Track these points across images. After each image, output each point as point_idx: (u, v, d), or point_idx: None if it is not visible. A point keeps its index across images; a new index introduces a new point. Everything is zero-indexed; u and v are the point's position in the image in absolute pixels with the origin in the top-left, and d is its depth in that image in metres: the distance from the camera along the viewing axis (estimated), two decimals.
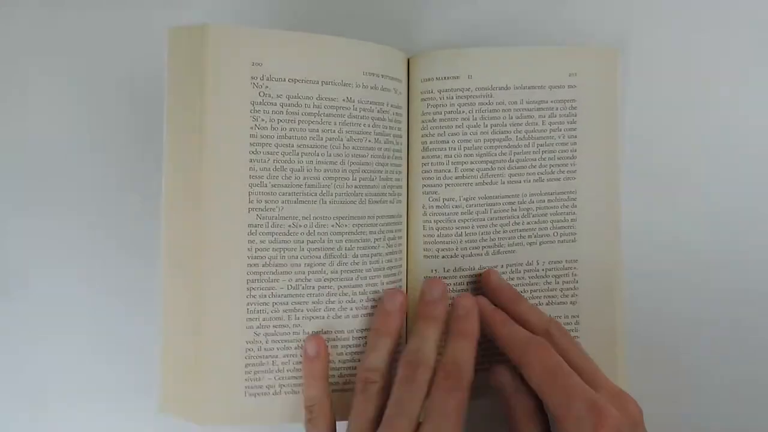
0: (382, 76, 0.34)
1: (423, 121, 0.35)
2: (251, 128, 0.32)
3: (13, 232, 0.34)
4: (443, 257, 0.36)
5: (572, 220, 0.37)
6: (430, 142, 0.36)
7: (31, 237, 0.34)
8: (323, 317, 0.33)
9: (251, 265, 0.32)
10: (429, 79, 0.35)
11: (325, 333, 0.33)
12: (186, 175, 0.32)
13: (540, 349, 0.31)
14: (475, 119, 0.36)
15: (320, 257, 0.33)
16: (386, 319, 0.33)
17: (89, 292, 0.35)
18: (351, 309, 0.34)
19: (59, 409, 0.34)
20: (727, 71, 0.37)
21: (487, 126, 0.36)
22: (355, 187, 0.33)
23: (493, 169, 0.36)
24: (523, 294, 0.36)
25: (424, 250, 0.36)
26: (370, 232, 0.34)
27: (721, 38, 0.34)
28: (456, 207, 0.36)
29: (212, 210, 0.32)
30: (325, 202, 0.33)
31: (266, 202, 0.32)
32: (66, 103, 0.34)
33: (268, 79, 0.32)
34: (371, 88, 0.33)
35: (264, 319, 0.33)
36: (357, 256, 0.33)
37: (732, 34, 0.35)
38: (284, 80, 0.32)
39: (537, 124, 0.36)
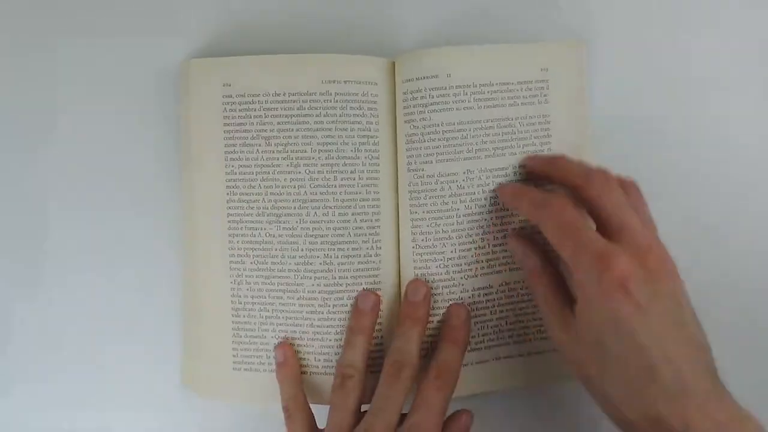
0: (345, 81, 0.36)
1: (406, 121, 0.36)
2: (224, 137, 0.37)
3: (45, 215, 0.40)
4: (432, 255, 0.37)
5: None
6: (414, 140, 0.36)
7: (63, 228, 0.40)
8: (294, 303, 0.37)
9: (232, 260, 0.37)
10: (410, 80, 0.36)
11: (295, 320, 0.37)
12: (187, 181, 0.38)
13: (555, 206, 0.31)
14: (455, 116, 0.36)
15: (289, 251, 0.37)
16: (360, 318, 0.36)
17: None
18: (323, 307, 0.37)
19: (83, 378, 0.40)
20: (698, 61, 0.37)
21: (465, 122, 0.36)
22: (322, 189, 0.36)
23: (473, 171, 0.36)
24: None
25: (413, 255, 0.37)
26: (339, 235, 0.36)
27: (688, 28, 0.34)
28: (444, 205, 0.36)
29: (199, 210, 0.38)
30: (288, 200, 0.36)
31: (240, 195, 0.37)
32: (103, 103, 0.40)
33: (237, 96, 0.37)
34: (335, 93, 0.36)
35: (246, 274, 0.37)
36: (329, 257, 0.36)
37: (698, 24, 0.35)
38: (244, 95, 0.36)
39: (511, 118, 0.36)
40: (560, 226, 0.30)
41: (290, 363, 0.37)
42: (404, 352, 0.34)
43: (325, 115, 0.36)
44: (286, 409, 0.36)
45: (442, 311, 0.36)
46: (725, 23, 0.40)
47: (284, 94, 0.36)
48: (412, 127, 0.36)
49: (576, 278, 0.30)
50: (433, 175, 0.36)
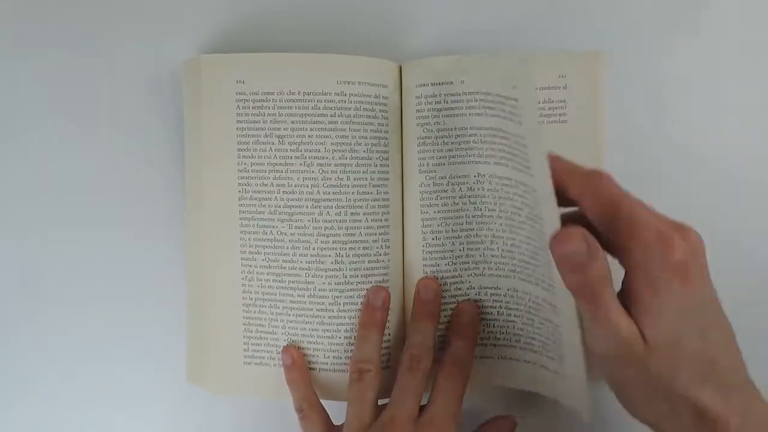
0: (359, 83, 0.36)
1: (419, 124, 0.37)
2: (237, 134, 0.37)
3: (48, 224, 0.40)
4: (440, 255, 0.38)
5: None
6: (427, 143, 0.37)
7: (72, 232, 0.40)
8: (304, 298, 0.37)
9: (243, 257, 0.37)
10: (423, 85, 0.37)
11: (307, 318, 0.37)
12: (196, 179, 0.38)
13: (605, 179, 0.28)
14: (468, 121, 0.37)
15: (300, 249, 0.37)
16: (372, 314, 0.37)
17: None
18: (334, 305, 0.37)
19: (91, 375, 0.40)
20: (709, 77, 0.37)
21: (476, 127, 0.36)
22: (333, 190, 0.37)
23: (483, 175, 0.37)
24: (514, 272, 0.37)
25: (423, 258, 0.38)
26: (350, 234, 0.37)
27: (703, 46, 0.34)
28: (453, 211, 0.37)
29: (210, 207, 0.37)
30: (301, 200, 0.37)
31: (253, 193, 0.37)
32: (102, 111, 0.40)
33: (250, 93, 0.36)
34: (350, 95, 0.36)
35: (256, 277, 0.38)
36: (340, 255, 0.37)
37: (714, 42, 0.35)
38: (259, 93, 0.36)
39: (519, 135, 0.36)
40: (613, 200, 0.27)
41: (298, 365, 0.37)
42: (421, 346, 0.36)
43: (339, 116, 0.36)
44: (300, 410, 0.36)
45: (451, 306, 0.38)
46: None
47: (299, 93, 0.36)
48: (425, 130, 0.37)
49: (633, 257, 0.27)
50: (445, 177, 0.37)
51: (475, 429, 0.38)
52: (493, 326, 0.38)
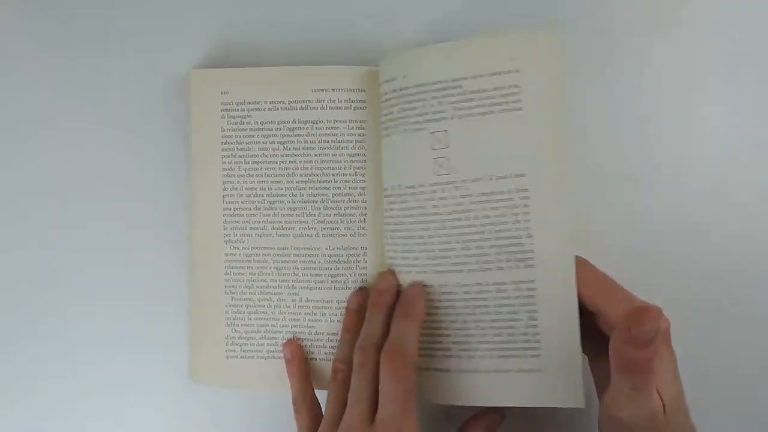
0: (333, 89, 0.39)
1: (383, 121, 0.38)
2: (222, 141, 0.40)
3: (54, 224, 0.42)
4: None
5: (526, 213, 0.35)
6: (386, 142, 0.38)
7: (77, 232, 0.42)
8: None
9: (228, 255, 0.40)
10: (381, 83, 0.38)
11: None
12: (190, 181, 0.41)
13: (586, 265, 0.34)
14: (416, 117, 0.36)
15: (282, 247, 0.40)
16: (351, 318, 0.38)
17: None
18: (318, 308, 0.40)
19: (97, 371, 0.42)
20: (681, 65, 0.35)
21: (425, 123, 0.36)
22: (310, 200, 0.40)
23: (445, 176, 0.36)
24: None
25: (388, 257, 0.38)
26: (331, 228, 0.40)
27: (675, 36, 0.34)
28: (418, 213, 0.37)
29: (199, 208, 0.41)
30: (282, 201, 0.40)
31: (237, 193, 0.40)
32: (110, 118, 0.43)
33: (236, 103, 0.40)
34: (317, 101, 0.39)
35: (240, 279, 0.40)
36: (321, 255, 0.40)
37: (684, 31, 0.34)
38: (245, 102, 0.40)
39: (476, 115, 0.35)
40: (600, 282, 0.33)
41: (297, 359, 0.39)
42: (368, 336, 0.35)
43: (313, 121, 0.39)
44: (294, 403, 0.38)
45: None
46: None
47: (278, 102, 0.40)
48: (385, 126, 0.38)
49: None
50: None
51: (459, 427, 0.37)
52: (463, 331, 0.36)
